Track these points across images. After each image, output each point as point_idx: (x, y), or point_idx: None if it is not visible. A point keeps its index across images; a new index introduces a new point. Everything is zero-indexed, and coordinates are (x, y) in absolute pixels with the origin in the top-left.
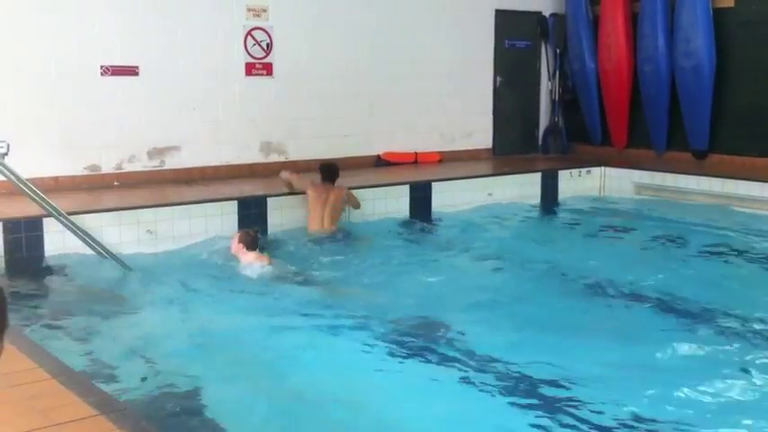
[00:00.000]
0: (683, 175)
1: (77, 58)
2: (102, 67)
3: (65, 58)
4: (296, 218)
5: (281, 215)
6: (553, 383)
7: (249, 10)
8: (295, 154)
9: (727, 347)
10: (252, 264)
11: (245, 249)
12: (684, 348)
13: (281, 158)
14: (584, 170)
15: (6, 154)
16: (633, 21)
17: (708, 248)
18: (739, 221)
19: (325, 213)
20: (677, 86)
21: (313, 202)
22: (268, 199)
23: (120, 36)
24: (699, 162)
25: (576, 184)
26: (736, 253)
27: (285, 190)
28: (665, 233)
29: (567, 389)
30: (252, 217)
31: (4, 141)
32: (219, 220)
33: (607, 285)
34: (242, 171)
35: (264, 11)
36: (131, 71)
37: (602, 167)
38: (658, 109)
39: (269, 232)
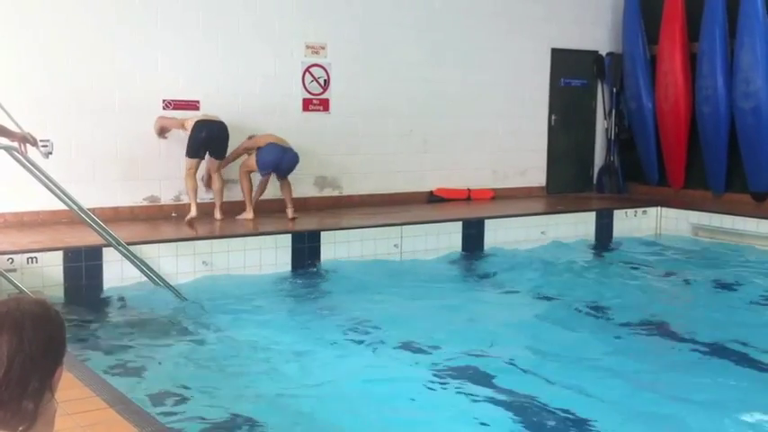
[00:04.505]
0: (742, 217)
1: (140, 92)
2: (164, 101)
3: (128, 92)
4: (349, 251)
5: (335, 249)
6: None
7: (308, 47)
8: (349, 189)
9: None
10: None
11: None
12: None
13: (336, 193)
14: (639, 210)
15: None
16: (692, 61)
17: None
18: None
19: None
20: (736, 128)
21: None
22: (322, 233)
23: (183, 72)
24: (758, 204)
25: (632, 224)
26: None
27: None
28: (723, 277)
29: None
30: (306, 250)
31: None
32: (273, 253)
33: (662, 330)
34: (296, 204)
35: (323, 48)
36: (192, 105)
37: (659, 207)
38: (717, 150)
39: (322, 265)
